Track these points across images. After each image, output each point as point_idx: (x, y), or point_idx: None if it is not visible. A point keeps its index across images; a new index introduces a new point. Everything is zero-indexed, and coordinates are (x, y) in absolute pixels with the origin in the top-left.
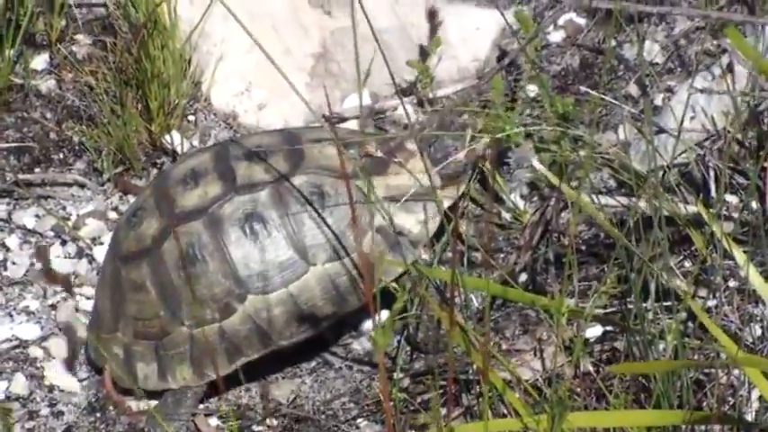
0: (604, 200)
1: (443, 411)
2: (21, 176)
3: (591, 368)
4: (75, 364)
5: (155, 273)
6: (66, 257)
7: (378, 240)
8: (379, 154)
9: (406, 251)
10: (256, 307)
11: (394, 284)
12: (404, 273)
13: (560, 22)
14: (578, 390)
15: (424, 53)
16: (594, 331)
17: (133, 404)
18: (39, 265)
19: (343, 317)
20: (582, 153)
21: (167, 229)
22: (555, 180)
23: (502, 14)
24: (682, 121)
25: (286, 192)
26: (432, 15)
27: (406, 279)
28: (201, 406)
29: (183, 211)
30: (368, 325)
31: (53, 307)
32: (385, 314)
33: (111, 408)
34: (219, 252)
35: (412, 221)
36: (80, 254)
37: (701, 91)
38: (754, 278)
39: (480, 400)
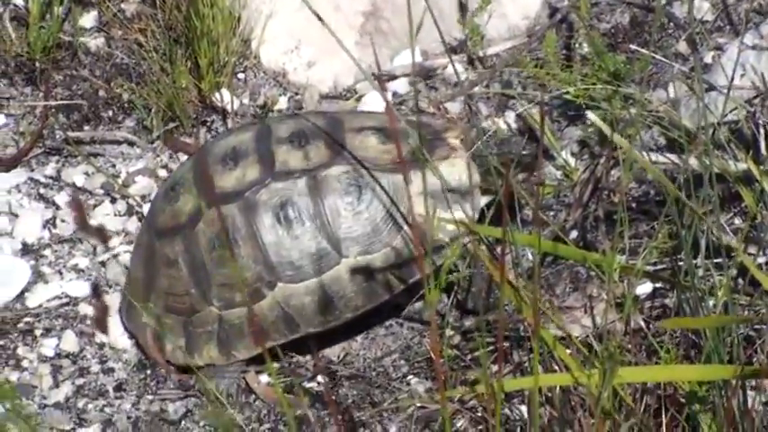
0: (654, 157)
1: (494, 368)
2: (70, 134)
3: (642, 324)
4: (107, 325)
5: (188, 251)
6: (115, 215)
7: (412, 235)
8: (431, 109)
9: (440, 247)
10: (285, 295)
11: (445, 239)
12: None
13: None
14: (629, 346)
15: (464, 8)
16: (645, 288)
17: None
18: (73, 216)
19: (374, 309)
20: (632, 111)
21: (203, 208)
22: (609, 131)
23: None
24: (732, 79)
25: (323, 181)
26: None
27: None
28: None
29: (220, 193)
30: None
31: (103, 264)
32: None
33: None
34: (252, 238)
35: (448, 217)
36: (130, 211)
37: (753, 48)
38: None
39: (531, 356)
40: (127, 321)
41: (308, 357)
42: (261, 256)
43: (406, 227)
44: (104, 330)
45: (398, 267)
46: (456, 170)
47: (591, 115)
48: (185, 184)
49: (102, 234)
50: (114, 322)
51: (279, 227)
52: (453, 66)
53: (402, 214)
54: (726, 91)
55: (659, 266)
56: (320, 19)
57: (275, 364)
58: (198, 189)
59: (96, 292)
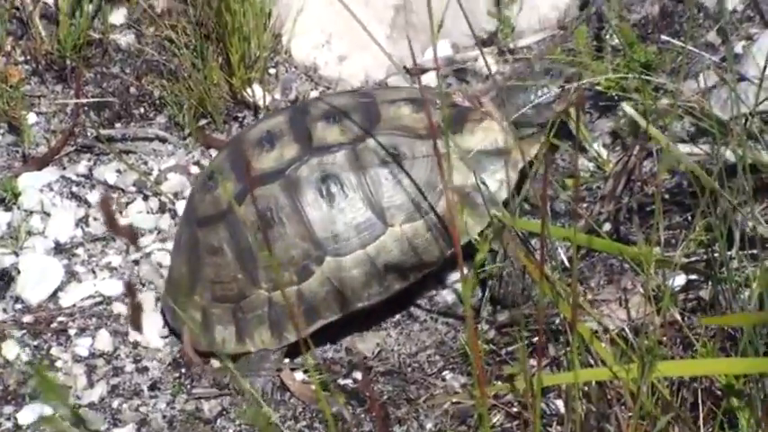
0: (687, 148)
1: (531, 362)
2: (102, 132)
3: (678, 317)
4: (141, 321)
5: (232, 236)
6: (148, 213)
7: (455, 199)
8: (466, 103)
9: (482, 210)
10: (334, 269)
11: (476, 236)
12: (487, 226)
13: None
14: (664, 339)
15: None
16: (679, 280)
17: (216, 362)
18: (102, 217)
19: (421, 278)
20: (664, 101)
21: (244, 192)
22: (643, 123)
23: None
24: (765, 68)
25: (362, 153)
26: None
27: (487, 231)
28: (286, 360)
29: (260, 174)
30: (451, 277)
31: (136, 263)
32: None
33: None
34: (297, 214)
35: (489, 180)
36: (162, 209)
37: None
38: None
39: (567, 350)
40: (171, 319)
41: (343, 353)
42: (307, 233)
43: (449, 190)
44: (139, 328)
45: (444, 233)
46: (491, 134)
47: (626, 107)
48: (223, 171)
49: (131, 233)
50: (148, 321)
51: (322, 201)
52: (484, 59)
53: (446, 178)
54: (756, 81)
55: (693, 258)
56: (351, 12)
57: (310, 361)
58: (236, 174)
59: (130, 289)
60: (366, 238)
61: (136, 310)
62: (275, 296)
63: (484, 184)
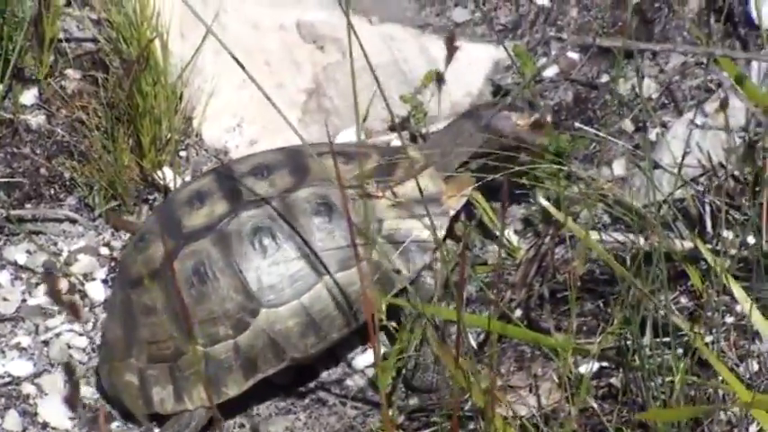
0: (599, 236)
1: None
2: (11, 212)
3: (594, 404)
4: (77, 402)
5: (166, 294)
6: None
7: (386, 249)
8: (379, 193)
9: (414, 257)
10: (270, 320)
11: (394, 324)
12: (403, 289)
13: (554, 56)
14: (575, 426)
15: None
16: (591, 366)
17: None
18: (46, 288)
19: (356, 328)
20: (578, 189)
21: (176, 250)
22: (560, 216)
23: (505, 48)
24: (684, 157)
25: (293, 204)
26: (449, 41)
27: (406, 318)
28: None
29: (191, 231)
30: (361, 361)
31: (45, 343)
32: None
33: None
34: (230, 268)
35: (419, 227)
36: (72, 290)
37: (701, 126)
38: (754, 314)
39: None
40: (108, 387)
41: None
42: (241, 285)
43: (380, 240)
44: (74, 408)
45: (378, 282)
46: (422, 181)
47: (540, 198)
48: (153, 232)
49: (74, 307)
50: (56, 401)
51: (255, 253)
52: (401, 140)
53: (375, 227)
54: (670, 168)
55: (606, 346)
56: (264, 93)
57: None
58: (168, 233)
59: (69, 368)
60: (300, 287)
61: (74, 389)
62: (211, 351)
63: (411, 238)
